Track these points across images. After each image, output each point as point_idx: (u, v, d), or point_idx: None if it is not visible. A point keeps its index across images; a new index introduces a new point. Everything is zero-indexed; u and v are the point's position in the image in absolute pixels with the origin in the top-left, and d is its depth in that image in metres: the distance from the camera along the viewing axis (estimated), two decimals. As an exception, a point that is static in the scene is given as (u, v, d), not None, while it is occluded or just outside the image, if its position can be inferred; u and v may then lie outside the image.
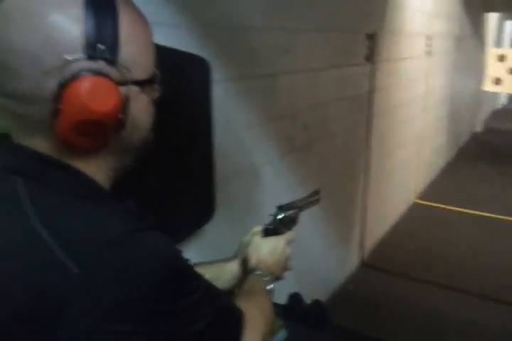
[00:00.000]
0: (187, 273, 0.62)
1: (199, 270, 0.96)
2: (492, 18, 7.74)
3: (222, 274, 1.07)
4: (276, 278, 1.07)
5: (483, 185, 5.19)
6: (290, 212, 1.12)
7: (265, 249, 1.06)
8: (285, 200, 2.17)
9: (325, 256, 2.83)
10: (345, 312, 2.74)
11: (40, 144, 0.60)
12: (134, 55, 0.61)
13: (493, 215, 4.31)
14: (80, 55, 0.56)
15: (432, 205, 4.62)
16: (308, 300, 1.26)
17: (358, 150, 3.05)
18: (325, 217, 2.70)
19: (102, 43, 0.57)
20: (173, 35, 1.31)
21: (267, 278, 1.01)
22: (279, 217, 1.10)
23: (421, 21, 3.97)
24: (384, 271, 3.33)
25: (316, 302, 1.17)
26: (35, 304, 0.52)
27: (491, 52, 5.37)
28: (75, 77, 0.55)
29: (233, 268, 1.09)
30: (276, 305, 1.23)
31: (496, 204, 4.57)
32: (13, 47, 0.55)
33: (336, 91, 2.51)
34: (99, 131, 0.59)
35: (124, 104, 0.60)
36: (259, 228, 1.11)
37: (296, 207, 1.14)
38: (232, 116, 1.64)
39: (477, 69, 6.96)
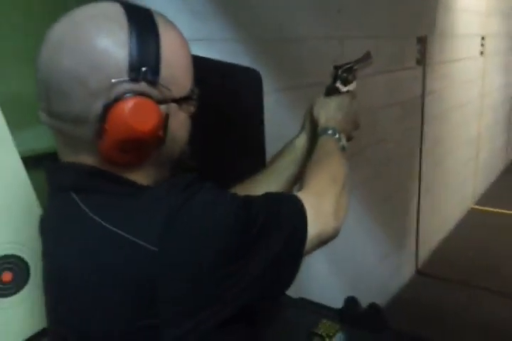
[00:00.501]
0: (247, 213, 0.64)
1: (274, 164, 1.02)
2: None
3: (293, 153, 1.05)
4: (348, 136, 1.04)
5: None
6: (348, 69, 1.09)
7: (332, 106, 1.03)
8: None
9: (380, 263, 2.80)
10: (400, 320, 2.69)
11: (86, 160, 0.65)
12: (174, 75, 0.65)
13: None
14: (125, 77, 0.60)
15: (490, 210, 4.45)
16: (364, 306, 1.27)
17: (410, 156, 3.01)
18: (378, 224, 2.68)
19: (145, 66, 0.60)
20: (225, 49, 1.37)
21: (337, 136, 0.98)
22: (339, 74, 1.07)
23: (474, 21, 3.86)
24: (440, 279, 3.24)
25: (373, 306, 1.18)
26: (130, 287, 0.57)
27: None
28: (119, 99, 0.59)
29: (302, 140, 1.07)
30: (332, 309, 1.25)
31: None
32: (62, 73, 0.59)
33: (386, 97, 2.50)
34: (141, 148, 0.64)
35: (164, 121, 0.64)
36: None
37: (352, 65, 1.10)
38: (283, 125, 1.67)
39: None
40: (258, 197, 0.70)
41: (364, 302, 2.64)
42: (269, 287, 0.66)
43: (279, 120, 1.65)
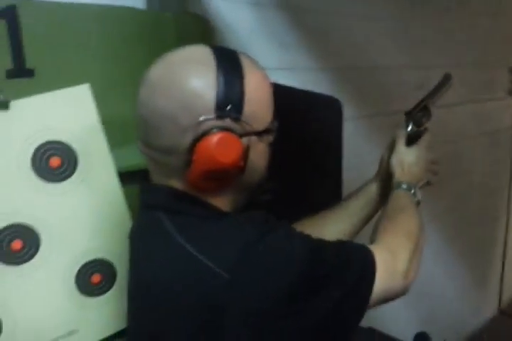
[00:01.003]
0: (317, 257, 0.67)
1: (346, 204, 1.04)
2: None
3: (366, 196, 1.06)
4: (426, 183, 1.04)
5: None
6: (418, 110, 1.07)
7: (409, 159, 1.03)
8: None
9: (458, 301, 2.66)
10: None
11: (175, 184, 0.72)
12: (255, 111, 0.71)
13: None
14: (212, 115, 0.66)
15: None
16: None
17: (498, 190, 2.86)
18: (458, 258, 2.56)
19: (230, 104, 0.67)
20: (308, 77, 1.43)
21: (413, 191, 0.98)
22: (412, 122, 1.06)
23: None
24: (525, 322, 3.01)
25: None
26: (201, 310, 0.62)
27: None
28: (206, 134, 0.66)
29: (375, 185, 1.07)
30: (398, 342, 1.23)
31: None
32: (157, 111, 0.68)
33: (472, 127, 2.42)
34: (224, 177, 0.70)
35: (245, 153, 0.70)
36: (400, 141, 1.07)
37: (424, 103, 1.08)
38: (362, 152, 1.69)
39: None
40: (332, 241, 0.73)
41: (438, 339, 2.52)
42: (327, 334, 0.68)
43: (357, 147, 1.67)
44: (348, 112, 1.50)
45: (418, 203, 0.98)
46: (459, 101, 2.26)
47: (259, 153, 0.74)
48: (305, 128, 1.31)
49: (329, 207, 1.08)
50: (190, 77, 0.67)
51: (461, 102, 2.28)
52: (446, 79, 1.13)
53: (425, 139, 1.06)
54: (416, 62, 1.92)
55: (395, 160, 1.04)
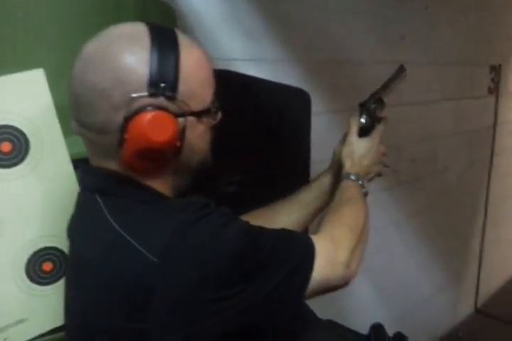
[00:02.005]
0: (253, 243, 0.66)
1: (299, 195, 1.03)
2: None
3: (319, 188, 1.06)
4: (374, 175, 1.05)
5: None
6: (372, 102, 1.08)
7: (360, 151, 1.03)
8: (388, 234, 2.15)
9: (434, 298, 2.68)
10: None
11: (112, 166, 0.71)
12: (192, 90, 0.70)
13: None
14: (144, 92, 0.65)
15: None
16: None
17: (475, 190, 2.88)
18: (434, 256, 2.57)
19: (164, 82, 0.66)
20: (277, 69, 1.42)
21: (361, 182, 0.99)
22: (366, 112, 1.07)
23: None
24: (500, 320, 3.03)
25: (399, 336, 1.14)
26: (130, 292, 0.62)
27: None
28: (138, 112, 0.65)
29: (328, 177, 1.07)
30: (358, 335, 1.23)
31: None
32: (89, 86, 0.66)
33: (451, 125, 2.43)
34: (159, 157, 0.69)
35: (181, 133, 0.69)
36: (352, 132, 1.07)
37: (378, 95, 1.10)
38: (331, 147, 1.68)
39: None
40: (271, 229, 0.72)
41: (414, 337, 2.53)
42: (263, 318, 0.68)
43: (327, 142, 1.66)
44: (318, 106, 1.50)
45: (366, 194, 0.99)
46: (438, 98, 2.27)
47: (199, 135, 0.73)
48: (273, 120, 1.30)
49: (282, 198, 1.08)
50: (124, 52, 0.67)
51: (441, 100, 2.29)
52: (400, 71, 1.13)
53: (378, 130, 1.07)
54: (392, 58, 1.91)
55: (345, 152, 1.04)
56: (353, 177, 0.99)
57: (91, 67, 0.67)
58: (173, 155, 0.70)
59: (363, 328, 1.34)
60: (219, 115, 0.76)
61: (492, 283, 3.35)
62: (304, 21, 1.50)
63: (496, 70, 2.66)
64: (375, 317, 2.14)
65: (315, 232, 0.81)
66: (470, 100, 2.55)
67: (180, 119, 0.69)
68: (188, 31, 1.16)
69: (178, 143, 0.69)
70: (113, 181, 0.71)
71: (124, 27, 0.70)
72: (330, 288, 0.74)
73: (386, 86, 1.12)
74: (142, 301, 0.61)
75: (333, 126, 1.69)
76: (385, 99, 1.09)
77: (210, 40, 1.21)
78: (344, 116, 1.76)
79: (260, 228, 0.70)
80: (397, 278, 2.29)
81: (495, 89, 2.71)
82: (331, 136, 1.70)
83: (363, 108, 1.09)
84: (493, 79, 2.67)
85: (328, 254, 0.73)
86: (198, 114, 0.72)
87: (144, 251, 0.62)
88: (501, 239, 3.34)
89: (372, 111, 1.08)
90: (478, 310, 3.16)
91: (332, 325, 1.27)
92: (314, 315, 1.27)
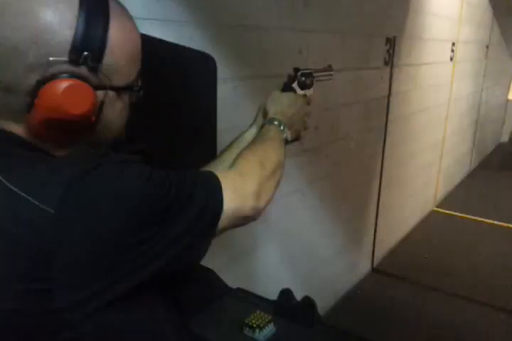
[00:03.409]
0: (154, 187, 0.62)
1: (221, 157, 1.03)
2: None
3: (241, 146, 1.02)
4: (295, 135, 1.05)
5: (505, 195, 5.08)
6: (308, 74, 1.11)
7: (285, 101, 1.04)
8: (293, 201, 2.20)
9: (335, 260, 2.83)
10: (350, 315, 2.73)
11: (12, 128, 0.64)
12: (117, 63, 0.64)
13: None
14: (64, 58, 0.59)
15: (450, 214, 4.55)
16: (316, 302, 1.26)
17: (372, 156, 3.04)
18: (335, 220, 2.70)
19: (88, 50, 0.60)
20: (181, 32, 1.34)
21: (282, 128, 0.98)
22: (298, 77, 1.09)
23: (446, 27, 3.92)
24: (395, 278, 3.30)
25: (306, 299, 1.18)
26: (30, 247, 0.56)
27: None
28: (53, 78, 0.59)
29: (251, 134, 1.06)
30: (267, 301, 1.25)
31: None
32: (1, 41, 0.58)
33: (350, 95, 2.51)
34: (69, 129, 0.63)
35: (98, 108, 0.63)
36: (276, 89, 1.09)
37: (313, 71, 1.13)
38: (240, 114, 1.66)
39: (506, 78, 6.82)
40: (175, 171, 0.70)
41: (316, 297, 2.66)
42: (179, 257, 0.66)
43: (234, 109, 1.64)
44: (224, 72, 1.45)
45: (286, 141, 0.98)
46: (339, 68, 2.32)
47: (116, 111, 0.68)
48: (177, 85, 1.24)
49: (205, 163, 1.07)
50: (47, 8, 0.58)
51: (340, 69, 2.34)
52: (328, 68, 1.21)
53: (306, 97, 1.09)
54: (297, 26, 1.91)
55: (269, 102, 1.05)
56: (275, 122, 0.99)
57: (5, 18, 0.58)
58: (85, 129, 0.65)
59: (272, 293, 1.37)
60: (140, 94, 0.71)
61: (387, 243, 3.62)
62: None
63: (391, 42, 2.78)
64: (281, 280, 2.22)
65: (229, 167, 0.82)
66: (368, 70, 2.64)
67: (99, 93, 0.63)
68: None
69: (93, 118, 0.63)
70: (8, 143, 0.63)
71: None
72: (242, 219, 0.75)
73: (319, 70, 1.17)
74: (45, 257, 0.56)
75: (239, 94, 1.66)
76: (308, 81, 1.11)
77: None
78: (250, 84, 1.75)
79: (163, 170, 0.67)
80: (301, 243, 2.37)
81: (390, 61, 2.83)
82: (237, 103, 1.69)
83: (296, 74, 1.10)
84: (388, 51, 2.78)
85: (235, 186, 0.74)
86: (119, 90, 0.66)
87: (38, 203, 0.56)
88: (395, 202, 3.59)
89: (303, 81, 1.10)
90: (374, 269, 3.40)
91: (243, 294, 1.28)
92: (225, 284, 1.27)
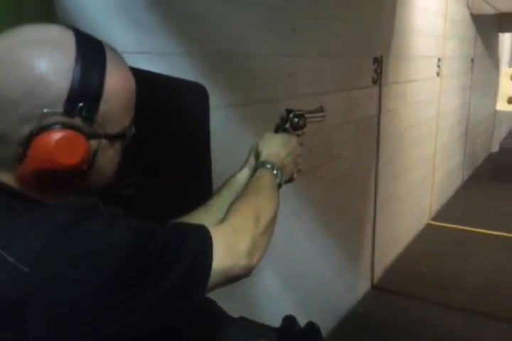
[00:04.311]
0: (140, 243, 0.61)
1: (213, 199, 0.99)
2: (507, 38, 7.74)
3: (233, 188, 1.01)
4: (290, 178, 1.04)
5: (499, 205, 5.11)
6: (300, 115, 1.11)
7: (278, 142, 1.03)
8: (290, 226, 2.20)
9: (334, 280, 2.81)
10: (354, 335, 2.71)
11: (5, 178, 0.63)
12: (112, 112, 0.64)
13: (509, 235, 4.23)
14: (59, 109, 0.58)
15: (446, 226, 4.56)
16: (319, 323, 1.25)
17: (366, 174, 3.06)
18: (333, 241, 2.69)
19: (83, 101, 0.59)
20: (172, 63, 1.36)
21: (275, 172, 0.97)
22: (291, 118, 1.10)
23: (431, 44, 4.00)
24: (395, 294, 3.29)
25: (310, 325, 1.17)
26: (3, 305, 0.54)
27: (503, 71, 5.36)
28: (47, 129, 0.58)
29: (244, 175, 1.04)
30: (269, 329, 1.24)
31: (512, 224, 4.50)
32: None
33: (341, 115, 2.54)
34: (60, 179, 0.62)
35: (92, 156, 0.63)
36: (269, 131, 1.09)
37: (305, 113, 1.13)
38: (232, 141, 1.67)
39: (492, 89, 6.93)
40: (164, 225, 0.69)
41: (317, 319, 2.63)
42: (164, 318, 0.64)
43: (228, 136, 1.65)
44: (216, 101, 1.47)
45: (280, 186, 0.97)
46: (328, 90, 2.35)
47: (109, 158, 0.68)
48: (169, 116, 1.25)
49: (198, 206, 1.05)
50: (43, 59, 0.58)
51: (330, 91, 2.37)
52: (320, 109, 1.23)
53: (297, 135, 1.09)
54: (286, 51, 1.94)
55: (262, 143, 1.04)
56: (268, 165, 0.97)
57: (0, 69, 0.58)
58: (77, 178, 0.64)
59: (274, 319, 1.35)
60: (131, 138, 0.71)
61: (385, 260, 3.61)
62: (198, 13, 1.46)
63: (378, 61, 2.83)
64: (282, 305, 2.21)
65: (222, 221, 0.79)
66: (357, 90, 2.68)
67: (93, 142, 0.62)
68: (69, 20, 1.06)
69: (86, 167, 0.63)
70: None
71: (45, 29, 0.61)
72: (232, 279, 0.73)
73: (311, 111, 1.18)
74: (16, 314, 0.54)
75: (232, 121, 1.67)
76: (301, 122, 1.12)
77: (95, 31, 1.11)
78: (243, 110, 1.77)
79: (152, 225, 0.66)
80: (299, 266, 2.36)
81: (378, 80, 2.88)
82: (231, 130, 1.70)
83: (288, 115, 1.11)
84: (376, 70, 2.83)
85: (228, 245, 0.71)
86: (113, 138, 0.66)
87: (13, 261, 0.54)
88: (391, 218, 3.60)
89: (295, 123, 1.10)
90: (374, 286, 3.38)
91: (245, 323, 1.27)
92: (225, 313, 1.26)
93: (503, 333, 2.80)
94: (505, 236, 4.23)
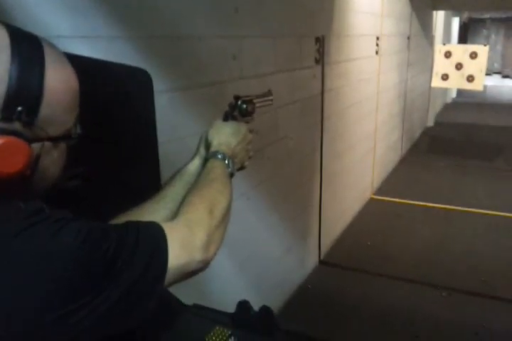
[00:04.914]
0: (91, 248, 0.59)
1: (164, 190, 0.96)
2: (440, 16, 7.99)
3: (185, 178, 1.00)
4: (241, 166, 1.04)
5: (436, 177, 5.38)
6: (248, 101, 1.10)
7: (228, 130, 1.01)
8: (240, 208, 2.21)
9: (284, 258, 2.87)
10: (304, 311, 2.80)
11: None
12: (54, 114, 0.60)
13: (447, 206, 4.47)
14: None
15: (387, 200, 4.75)
16: (266, 303, 1.27)
17: (311, 152, 3.10)
18: (282, 221, 2.74)
19: (22, 105, 0.55)
20: (112, 48, 1.30)
21: (227, 161, 0.96)
22: (239, 105, 1.08)
23: (370, 23, 4.06)
24: (341, 268, 3.41)
25: (264, 309, 1.19)
26: None
27: (437, 48, 5.52)
28: None
29: (195, 165, 1.02)
30: (225, 314, 1.25)
31: (450, 195, 4.75)
32: None
33: (286, 95, 2.54)
34: (1, 186, 0.58)
35: (34, 161, 0.59)
36: (217, 119, 1.07)
37: (253, 98, 1.12)
38: (178, 125, 1.64)
39: (428, 66, 7.18)
40: (115, 226, 0.66)
41: (268, 297, 2.69)
42: (118, 323, 0.62)
43: (174, 120, 1.61)
44: (160, 85, 1.43)
45: (232, 175, 0.97)
46: (273, 70, 2.34)
47: (53, 161, 0.64)
48: (111, 104, 1.20)
49: (148, 198, 1.01)
50: None
51: (275, 72, 2.36)
52: (268, 93, 1.21)
53: (249, 124, 1.07)
54: (229, 32, 1.91)
55: (211, 132, 1.02)
56: (219, 155, 0.96)
57: None
58: (20, 183, 0.60)
59: (229, 303, 1.37)
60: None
61: (331, 235, 3.72)
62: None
63: (320, 41, 2.84)
64: (235, 287, 2.23)
65: (175, 215, 0.77)
66: (301, 70, 2.69)
67: (35, 145, 0.59)
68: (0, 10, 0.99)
69: (29, 172, 0.59)
70: None
71: None
72: (189, 274, 0.72)
73: (259, 96, 1.16)
74: None
75: (177, 105, 1.64)
76: (250, 108, 1.10)
77: (29, 16, 1.04)
78: (188, 94, 1.73)
79: (104, 227, 0.64)
80: (250, 247, 2.39)
81: (320, 59, 2.90)
82: (177, 114, 1.66)
83: (236, 101, 1.08)
84: (318, 50, 2.84)
85: (183, 241, 0.70)
86: (56, 140, 0.62)
87: None
88: (336, 194, 3.70)
89: (243, 109, 1.08)
90: (322, 262, 3.49)
91: (200, 310, 1.27)
92: (179, 301, 1.26)
93: (442, 300, 2.98)
94: (443, 208, 4.47)
